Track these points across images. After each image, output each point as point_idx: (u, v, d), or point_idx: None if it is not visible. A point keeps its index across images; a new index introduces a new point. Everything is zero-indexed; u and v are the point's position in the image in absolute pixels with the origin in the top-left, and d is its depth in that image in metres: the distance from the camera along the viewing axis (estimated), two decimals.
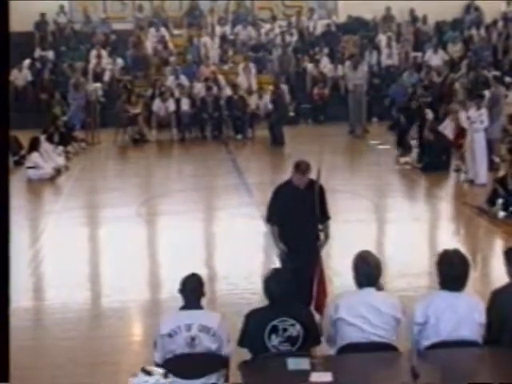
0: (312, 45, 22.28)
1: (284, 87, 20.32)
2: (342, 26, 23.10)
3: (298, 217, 7.45)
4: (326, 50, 21.87)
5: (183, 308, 5.43)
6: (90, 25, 22.67)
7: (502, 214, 11.34)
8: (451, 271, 5.23)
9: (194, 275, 5.54)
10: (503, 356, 5.26)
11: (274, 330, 5.25)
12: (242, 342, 5.34)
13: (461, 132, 15.08)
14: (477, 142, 13.26)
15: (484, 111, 13.44)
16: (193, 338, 5.26)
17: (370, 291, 5.37)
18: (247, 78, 20.58)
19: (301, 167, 7.44)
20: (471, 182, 13.41)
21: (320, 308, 7.59)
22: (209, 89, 19.39)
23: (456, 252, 5.38)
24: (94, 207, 13.07)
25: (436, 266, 5.33)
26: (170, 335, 5.29)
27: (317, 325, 5.44)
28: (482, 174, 13.21)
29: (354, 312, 5.30)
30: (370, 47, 21.95)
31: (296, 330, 5.26)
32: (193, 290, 5.44)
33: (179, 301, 5.53)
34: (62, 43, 22.21)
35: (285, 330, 5.26)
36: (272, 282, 5.39)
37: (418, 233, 11.00)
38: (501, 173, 12.90)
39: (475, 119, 13.30)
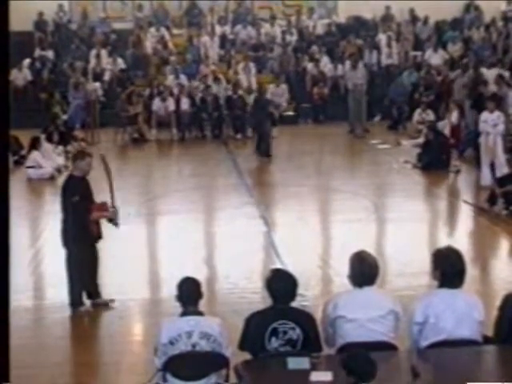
0: (312, 44, 22.27)
1: (284, 87, 20.35)
2: (341, 26, 23.10)
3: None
4: (325, 50, 21.86)
5: (183, 314, 5.39)
6: (89, 24, 22.68)
7: (504, 212, 11.35)
8: (450, 268, 5.23)
9: (189, 278, 5.48)
10: (503, 355, 5.26)
11: (274, 332, 5.23)
12: (242, 346, 5.32)
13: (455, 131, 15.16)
14: (498, 145, 13.11)
15: (501, 113, 13.24)
16: (193, 345, 5.24)
17: (368, 289, 5.37)
18: (247, 78, 20.59)
19: (84, 152, 8.51)
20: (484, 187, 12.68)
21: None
22: (207, 87, 19.40)
23: (451, 249, 5.39)
24: None
25: (432, 265, 5.33)
26: (171, 343, 5.26)
27: (318, 331, 5.40)
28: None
29: (353, 308, 5.30)
30: (370, 47, 21.95)
31: (296, 333, 5.25)
32: (190, 295, 5.39)
33: None
34: (61, 43, 22.23)
35: (285, 332, 5.24)
36: (274, 280, 5.38)
37: (418, 232, 11.01)
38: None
39: (496, 121, 13.01)
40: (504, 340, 5.24)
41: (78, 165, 8.13)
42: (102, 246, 11.01)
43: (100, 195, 8.48)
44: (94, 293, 8.28)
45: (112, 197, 8.21)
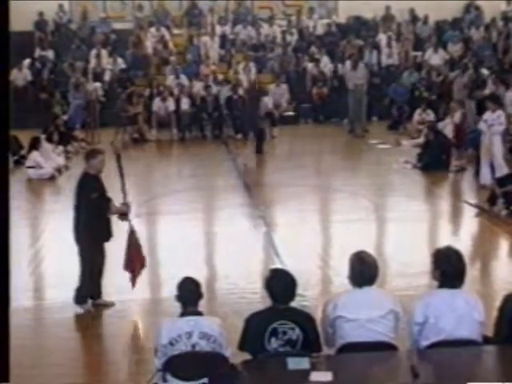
0: (312, 44, 22.27)
1: (284, 87, 20.34)
2: (342, 26, 23.10)
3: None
4: (325, 50, 21.86)
5: (182, 315, 5.40)
6: (89, 24, 22.69)
7: (504, 212, 11.35)
8: (450, 268, 5.24)
9: (188, 278, 5.49)
10: (503, 355, 5.26)
11: (274, 332, 5.23)
12: (242, 346, 5.32)
13: (458, 131, 15.16)
14: (495, 145, 13.10)
15: (502, 113, 13.26)
16: (193, 346, 5.25)
17: (368, 289, 5.37)
18: (247, 78, 20.60)
19: (95, 151, 8.25)
20: (483, 186, 12.80)
21: (134, 273, 7.97)
22: (207, 87, 19.41)
23: (451, 249, 5.39)
24: None
25: (433, 265, 5.33)
26: (171, 343, 5.27)
27: (317, 331, 5.41)
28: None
29: (353, 308, 5.30)
30: (370, 47, 21.95)
31: (295, 333, 5.25)
32: (190, 295, 5.40)
33: None
34: (61, 43, 22.23)
35: (284, 333, 5.24)
36: (273, 280, 5.39)
37: (418, 232, 11.00)
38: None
39: (493, 121, 13.01)
40: (504, 340, 5.24)
41: (91, 163, 8.07)
42: None
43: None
44: (96, 293, 8.28)
45: (124, 193, 8.22)
